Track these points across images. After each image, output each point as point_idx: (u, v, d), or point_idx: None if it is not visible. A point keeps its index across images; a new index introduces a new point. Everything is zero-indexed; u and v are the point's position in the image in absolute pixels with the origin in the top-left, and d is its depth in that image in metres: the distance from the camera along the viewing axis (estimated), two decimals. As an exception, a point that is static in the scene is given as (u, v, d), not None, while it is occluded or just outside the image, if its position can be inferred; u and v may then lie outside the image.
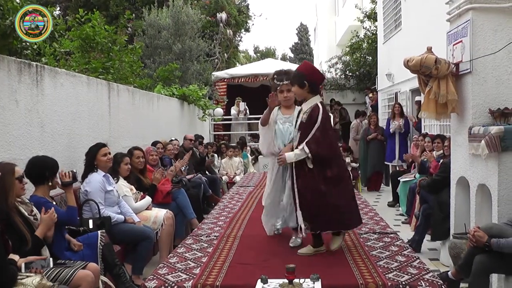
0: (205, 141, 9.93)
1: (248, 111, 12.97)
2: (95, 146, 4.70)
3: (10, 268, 2.67)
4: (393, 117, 9.59)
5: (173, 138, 7.77)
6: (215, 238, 4.03)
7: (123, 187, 4.96)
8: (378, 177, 10.26)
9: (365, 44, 16.22)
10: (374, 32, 15.36)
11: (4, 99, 3.89)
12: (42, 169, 3.69)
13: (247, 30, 19.66)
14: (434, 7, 8.16)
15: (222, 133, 13.37)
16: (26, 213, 3.30)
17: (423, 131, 9.30)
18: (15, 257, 2.92)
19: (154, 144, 6.77)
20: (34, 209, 3.43)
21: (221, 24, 16.42)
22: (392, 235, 4.03)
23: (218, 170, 9.36)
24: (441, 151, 6.35)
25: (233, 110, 13.04)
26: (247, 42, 79.40)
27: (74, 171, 4.04)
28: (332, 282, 2.87)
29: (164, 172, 5.89)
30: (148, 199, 5.17)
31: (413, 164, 7.98)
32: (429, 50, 4.51)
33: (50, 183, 3.74)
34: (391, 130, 9.44)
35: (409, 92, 10.85)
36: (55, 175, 3.78)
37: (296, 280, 2.56)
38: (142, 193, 5.21)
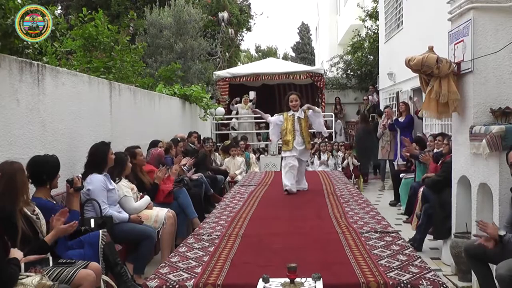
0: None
1: (255, 100, 12.96)
2: (105, 145, 4.64)
3: (11, 268, 2.65)
4: (399, 115, 9.61)
5: (178, 139, 7.79)
6: (216, 237, 4.03)
7: (123, 187, 4.91)
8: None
9: (367, 43, 16.21)
10: (376, 31, 15.35)
11: (5, 99, 3.89)
12: (40, 171, 3.66)
13: (249, 29, 19.59)
14: (435, 6, 8.16)
15: (226, 132, 13.33)
16: (28, 212, 3.29)
17: (424, 131, 9.32)
18: (18, 253, 2.88)
19: (155, 143, 6.71)
20: (36, 208, 3.41)
21: (222, 23, 16.38)
22: (393, 234, 4.02)
23: (221, 165, 9.37)
24: (442, 149, 6.34)
25: (239, 108, 13.05)
26: (248, 41, 79.52)
27: (80, 176, 4.07)
28: (333, 281, 2.87)
29: (167, 171, 5.88)
30: (147, 198, 5.15)
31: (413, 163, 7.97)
32: (431, 49, 4.51)
33: (48, 186, 3.73)
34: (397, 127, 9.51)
35: (411, 91, 10.84)
36: (55, 178, 3.75)
37: (297, 280, 2.55)
38: (141, 193, 5.20)
